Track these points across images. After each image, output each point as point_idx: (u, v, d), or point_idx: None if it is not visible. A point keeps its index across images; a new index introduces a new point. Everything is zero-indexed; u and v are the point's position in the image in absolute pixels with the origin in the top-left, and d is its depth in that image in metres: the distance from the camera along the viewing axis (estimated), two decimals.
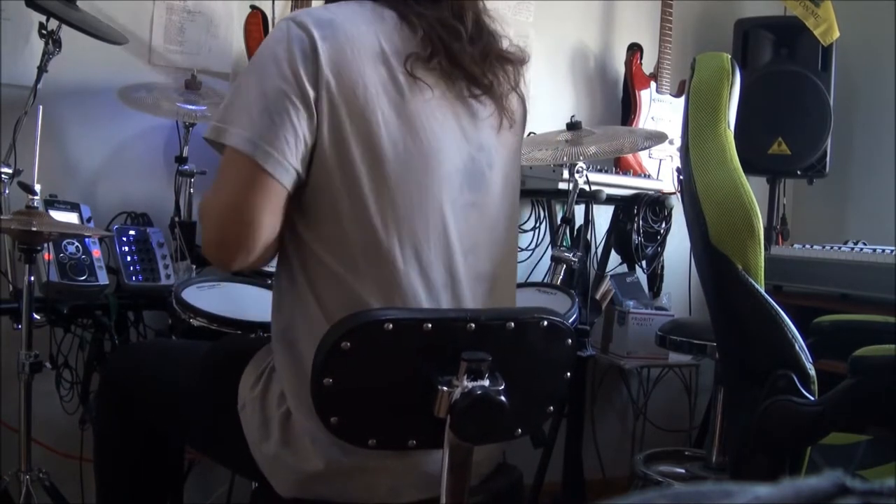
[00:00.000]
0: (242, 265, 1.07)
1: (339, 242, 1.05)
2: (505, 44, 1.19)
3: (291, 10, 2.16)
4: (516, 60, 1.19)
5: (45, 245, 1.68)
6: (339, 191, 1.03)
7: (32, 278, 1.60)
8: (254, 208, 1.02)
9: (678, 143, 2.36)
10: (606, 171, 2.46)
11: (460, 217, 1.10)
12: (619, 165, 2.63)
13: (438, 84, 1.09)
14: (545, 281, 2.22)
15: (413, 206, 1.06)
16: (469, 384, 0.96)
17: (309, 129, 1.02)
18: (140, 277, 1.89)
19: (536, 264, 2.57)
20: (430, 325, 0.98)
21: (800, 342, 1.03)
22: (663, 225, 2.45)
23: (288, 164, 1.01)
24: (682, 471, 2.21)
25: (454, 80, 1.11)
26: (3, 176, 1.77)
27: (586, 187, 2.09)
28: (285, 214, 1.07)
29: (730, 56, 1.17)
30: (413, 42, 1.08)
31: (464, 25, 1.12)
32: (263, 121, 1.01)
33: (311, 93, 1.01)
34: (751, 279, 1.05)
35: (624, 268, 2.56)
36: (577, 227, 2.30)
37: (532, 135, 2.24)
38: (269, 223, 1.03)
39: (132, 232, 1.94)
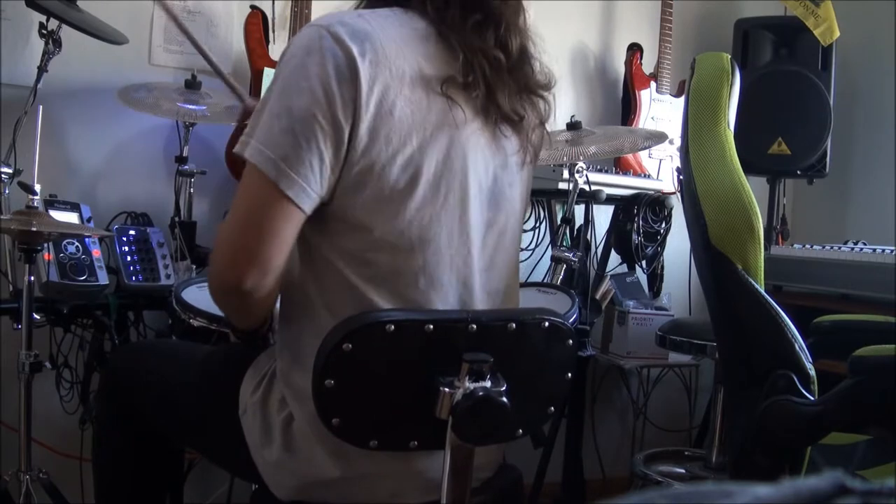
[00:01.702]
0: (254, 284, 0.99)
1: (363, 256, 1.03)
2: (536, 66, 1.16)
3: (291, 10, 2.16)
4: (547, 93, 1.17)
5: (45, 245, 1.68)
6: (371, 208, 1.01)
7: (32, 278, 1.60)
8: (271, 226, 0.98)
9: (678, 143, 2.36)
10: (606, 171, 2.46)
11: (482, 236, 1.11)
12: (619, 165, 2.62)
13: (472, 110, 1.07)
14: (545, 281, 2.22)
15: (441, 227, 1.05)
16: (471, 385, 0.96)
17: (335, 152, 0.98)
18: (140, 277, 1.89)
19: (536, 264, 2.57)
20: (431, 327, 0.98)
21: (800, 342, 1.03)
22: (663, 225, 2.45)
23: (310, 190, 0.98)
24: (682, 471, 2.22)
25: (487, 111, 1.09)
26: (3, 176, 1.77)
27: (586, 187, 2.09)
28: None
29: (730, 56, 1.17)
30: (453, 66, 1.05)
31: (507, 55, 1.09)
32: (287, 140, 0.97)
33: (344, 113, 0.97)
34: (751, 279, 1.05)
35: (624, 268, 2.56)
36: (577, 227, 2.29)
37: None
38: (285, 242, 1.00)
39: (132, 232, 1.94)
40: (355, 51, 0.98)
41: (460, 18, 1.07)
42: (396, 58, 1.01)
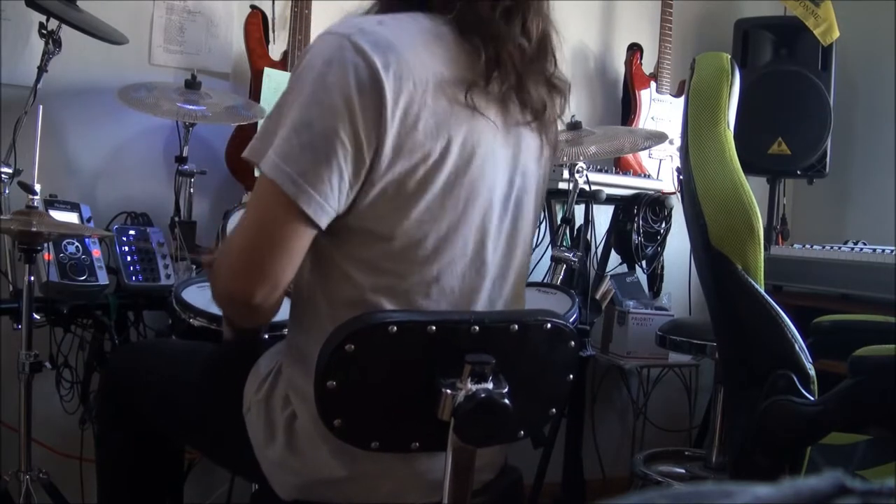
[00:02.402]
0: (264, 299, 0.99)
1: (378, 266, 1.02)
2: (557, 56, 1.15)
3: (291, 10, 2.16)
4: (564, 90, 1.16)
5: (45, 245, 1.68)
6: (392, 219, 1.00)
7: (32, 278, 1.60)
8: (285, 243, 0.97)
9: (678, 143, 2.36)
10: (606, 171, 2.46)
11: (497, 244, 1.10)
12: (619, 165, 2.63)
13: (495, 111, 1.06)
14: (545, 281, 2.22)
15: (459, 236, 1.05)
16: (473, 387, 0.96)
17: (356, 168, 0.96)
18: (140, 277, 1.89)
19: (536, 264, 2.57)
20: (433, 328, 0.98)
21: (800, 342, 1.03)
22: (663, 225, 2.45)
23: (328, 207, 0.96)
24: (682, 471, 2.22)
25: (509, 105, 1.07)
26: (3, 176, 1.77)
27: (586, 187, 2.09)
28: None
29: (729, 56, 1.17)
30: (475, 67, 1.03)
31: (530, 43, 1.08)
32: (306, 157, 0.94)
33: (366, 130, 0.95)
34: (751, 279, 1.05)
35: (624, 268, 2.56)
36: (577, 227, 2.30)
37: None
38: (296, 258, 0.99)
39: (132, 232, 1.94)
40: (378, 63, 0.95)
41: (490, 8, 1.04)
42: (418, 67, 0.99)
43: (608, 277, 2.45)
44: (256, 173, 1.02)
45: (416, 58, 0.99)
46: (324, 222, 0.97)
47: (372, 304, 1.02)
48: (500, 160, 1.08)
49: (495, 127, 1.06)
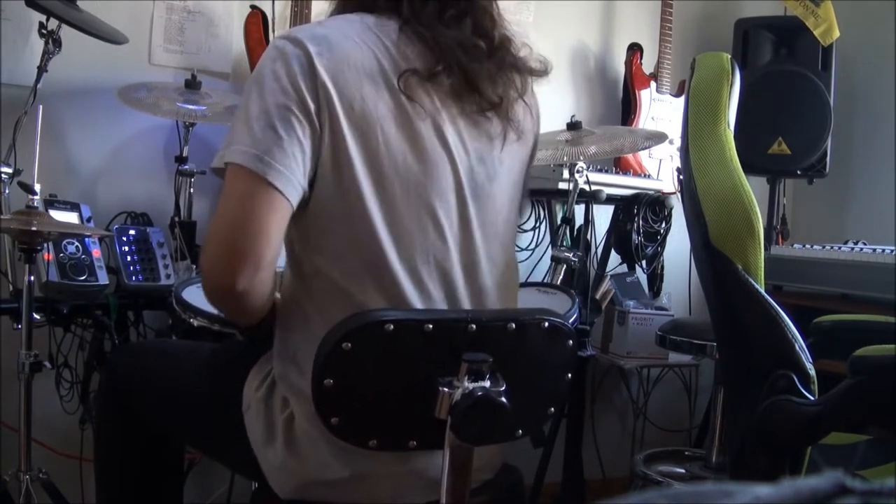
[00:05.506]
0: (249, 283, 1.00)
1: (341, 256, 1.04)
2: (524, 52, 1.17)
3: (291, 10, 2.16)
4: (525, 70, 1.17)
5: (45, 245, 1.68)
6: (341, 205, 1.03)
7: (32, 278, 1.60)
8: (260, 220, 0.98)
9: (678, 143, 2.36)
10: (606, 171, 2.46)
11: (460, 231, 1.10)
12: (619, 165, 2.63)
13: (444, 99, 1.08)
14: (545, 281, 2.22)
15: (413, 221, 1.06)
16: (470, 385, 0.96)
17: (313, 142, 1.01)
18: (140, 277, 1.89)
19: (536, 264, 2.57)
20: (430, 326, 0.98)
21: (800, 342, 1.03)
22: (663, 225, 2.45)
23: (295, 181, 0.99)
24: (682, 471, 2.21)
25: (463, 97, 1.10)
26: (3, 176, 1.77)
27: (586, 187, 2.09)
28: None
29: (730, 56, 1.17)
30: (419, 60, 1.07)
31: (488, 41, 1.11)
32: (268, 136, 0.99)
33: (312, 105, 1.01)
34: (751, 279, 1.05)
35: (624, 268, 2.56)
36: (577, 227, 2.30)
37: None
38: (274, 237, 1.00)
39: (132, 232, 1.94)
40: (313, 51, 1.03)
41: (437, 14, 1.10)
42: (356, 56, 1.05)
43: (608, 277, 2.44)
44: None
45: (354, 48, 1.05)
46: (293, 196, 1.00)
47: (346, 293, 1.03)
48: (451, 145, 1.09)
49: (443, 112, 1.08)
